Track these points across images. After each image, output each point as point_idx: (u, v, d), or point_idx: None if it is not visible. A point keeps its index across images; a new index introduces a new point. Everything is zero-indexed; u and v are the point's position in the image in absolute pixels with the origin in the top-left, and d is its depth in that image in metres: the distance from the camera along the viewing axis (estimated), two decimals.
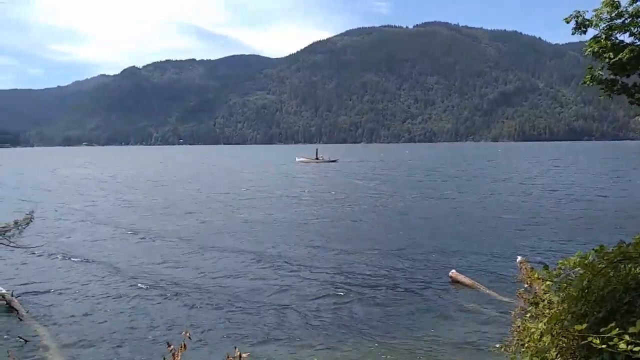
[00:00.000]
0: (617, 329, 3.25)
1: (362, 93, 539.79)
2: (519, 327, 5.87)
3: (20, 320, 14.20)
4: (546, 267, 5.55)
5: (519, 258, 16.35)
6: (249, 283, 17.80)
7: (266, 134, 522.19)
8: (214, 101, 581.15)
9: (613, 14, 6.63)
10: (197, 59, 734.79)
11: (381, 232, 26.98)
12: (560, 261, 5.24)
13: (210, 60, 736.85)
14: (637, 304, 4.25)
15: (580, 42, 7.33)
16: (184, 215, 34.09)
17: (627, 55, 6.30)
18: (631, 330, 3.18)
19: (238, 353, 3.31)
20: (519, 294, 7.64)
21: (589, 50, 6.98)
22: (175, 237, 26.45)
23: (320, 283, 17.63)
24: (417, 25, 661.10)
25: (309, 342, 12.65)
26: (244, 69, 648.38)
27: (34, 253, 20.69)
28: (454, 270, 17.63)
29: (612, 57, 6.56)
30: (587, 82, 7.40)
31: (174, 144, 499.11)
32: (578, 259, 4.99)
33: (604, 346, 3.34)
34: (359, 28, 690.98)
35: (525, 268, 13.95)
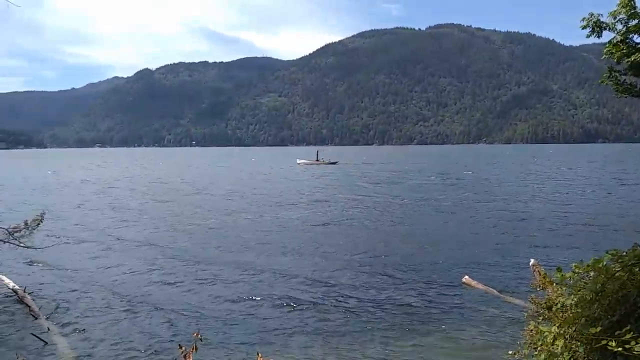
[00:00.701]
0: (632, 332, 3.16)
1: (374, 95, 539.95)
2: (531, 330, 5.81)
3: (33, 316, 14.22)
4: (559, 270, 5.52)
5: (532, 261, 16.10)
6: (256, 286, 17.71)
7: (278, 136, 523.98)
8: (226, 103, 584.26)
9: (630, 13, 6.41)
10: (210, 61, 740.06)
11: (389, 237, 26.75)
12: (574, 265, 5.20)
13: (222, 62, 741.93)
14: None
15: (595, 44, 7.29)
16: (186, 219, 34.10)
17: None
18: None
19: (260, 358, 3.18)
20: (532, 298, 7.61)
21: (606, 56, 7.01)
22: (179, 240, 26.44)
23: (330, 286, 17.49)
24: (429, 27, 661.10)
25: (320, 345, 12.53)
26: (257, 71, 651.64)
27: (43, 253, 20.70)
28: (467, 276, 17.40)
29: (631, 60, 6.41)
30: (605, 82, 7.36)
31: (186, 146, 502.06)
32: (592, 263, 4.95)
33: (619, 349, 3.27)
34: (371, 30, 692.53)
35: (539, 271, 13.73)
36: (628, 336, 3.20)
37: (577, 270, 5.19)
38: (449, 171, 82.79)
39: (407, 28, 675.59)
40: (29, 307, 14.71)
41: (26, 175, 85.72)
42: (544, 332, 5.16)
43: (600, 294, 4.59)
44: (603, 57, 6.71)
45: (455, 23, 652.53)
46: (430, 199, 42.02)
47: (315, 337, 13.03)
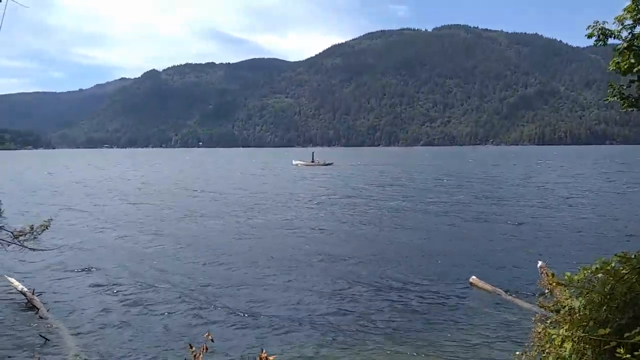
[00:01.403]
0: None
1: (381, 96, 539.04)
2: (539, 333, 5.77)
3: (40, 318, 14.33)
4: (567, 273, 5.51)
5: (540, 263, 16.08)
6: (268, 287, 17.76)
7: (284, 137, 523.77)
8: (233, 104, 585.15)
9: (636, 18, 6.33)
10: (217, 63, 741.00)
11: (394, 238, 26.74)
12: (582, 267, 5.23)
13: (229, 63, 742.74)
14: None
15: (602, 45, 7.14)
16: (191, 219, 34.20)
17: None
18: None
19: (265, 355, 3.29)
20: (540, 300, 7.55)
21: (613, 67, 6.89)
22: (182, 241, 26.51)
23: (337, 286, 17.54)
24: (436, 28, 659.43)
25: (325, 344, 12.58)
26: (263, 73, 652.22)
27: (53, 255, 20.85)
28: (474, 277, 17.41)
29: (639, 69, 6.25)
30: (610, 99, 7.23)
31: (193, 147, 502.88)
32: (600, 265, 4.97)
33: (628, 356, 3.28)
34: (378, 31, 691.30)
35: (546, 273, 13.67)
36: (637, 339, 3.21)
37: (585, 272, 5.19)
38: (451, 171, 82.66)
39: (413, 29, 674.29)
40: (38, 308, 14.83)
41: (26, 175, 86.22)
42: (552, 334, 5.12)
43: (609, 296, 4.60)
44: (609, 69, 6.86)
45: (461, 24, 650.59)
46: (434, 200, 41.98)
47: (320, 337, 13.07)
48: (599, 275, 5.00)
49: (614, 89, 6.93)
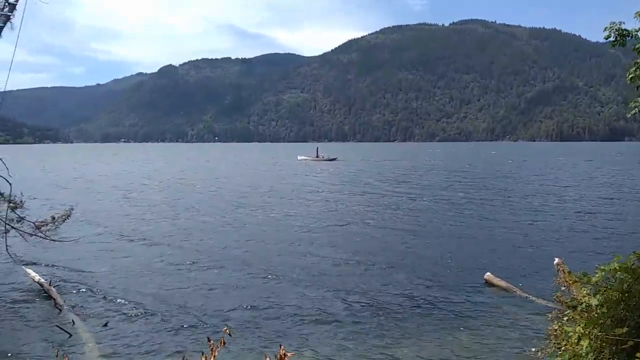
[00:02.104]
0: None
1: (396, 91, 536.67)
2: (555, 330, 5.74)
3: (58, 309, 14.46)
4: (584, 272, 5.41)
5: (556, 260, 15.88)
6: (285, 283, 17.80)
7: (299, 132, 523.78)
8: (248, 99, 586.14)
9: None
10: (233, 58, 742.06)
11: (406, 235, 26.63)
12: (600, 265, 5.10)
13: (245, 58, 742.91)
14: None
15: (620, 46, 6.94)
16: (199, 214, 34.36)
17: None
18: None
19: (283, 351, 3.30)
20: (557, 296, 7.48)
21: (630, 78, 6.73)
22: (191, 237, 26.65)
23: (351, 284, 17.53)
24: (453, 23, 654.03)
25: (343, 341, 12.58)
26: (279, 68, 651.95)
27: (70, 247, 21.06)
28: (488, 273, 17.29)
29: None
30: (630, 113, 7.06)
31: (209, 142, 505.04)
32: (618, 263, 4.84)
33: None
34: (394, 26, 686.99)
35: (563, 270, 13.53)
36: None
37: (602, 270, 5.07)
38: (456, 167, 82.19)
39: (430, 24, 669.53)
40: (54, 299, 14.98)
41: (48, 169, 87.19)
42: (569, 332, 5.05)
43: (626, 294, 4.49)
44: (629, 79, 6.67)
45: (479, 19, 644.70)
46: (446, 196, 41.78)
47: (335, 334, 13.07)
48: (617, 273, 4.87)
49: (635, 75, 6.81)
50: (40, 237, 16.43)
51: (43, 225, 16.29)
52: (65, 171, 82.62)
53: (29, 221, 16.73)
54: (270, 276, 18.23)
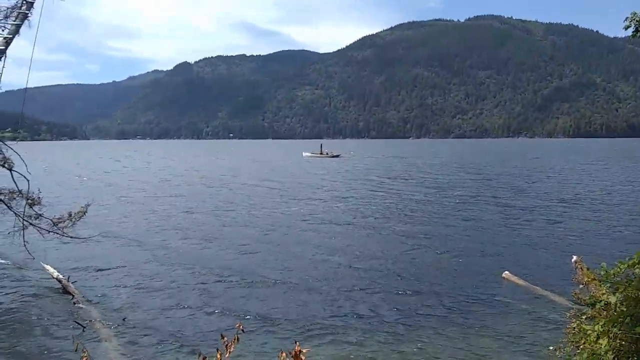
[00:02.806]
0: None
1: (412, 88, 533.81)
2: (574, 328, 5.67)
3: (76, 304, 14.59)
4: (604, 264, 5.30)
5: (575, 258, 15.71)
6: (301, 279, 17.81)
7: (314, 129, 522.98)
8: (263, 96, 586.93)
9: None
10: (247, 55, 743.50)
11: (424, 233, 26.51)
12: (619, 261, 5.01)
13: (260, 55, 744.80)
14: None
15: None
16: (213, 210, 34.46)
17: None
18: None
19: (298, 348, 3.31)
20: (575, 294, 7.39)
21: None
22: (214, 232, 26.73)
23: (370, 280, 17.52)
24: (468, 18, 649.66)
25: (360, 338, 12.58)
26: (293, 65, 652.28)
27: (87, 243, 21.23)
28: (507, 272, 17.16)
29: None
30: None
31: (224, 139, 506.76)
32: (638, 259, 4.76)
33: None
34: (409, 22, 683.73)
35: (581, 268, 13.41)
36: None
37: (622, 267, 4.95)
38: (467, 165, 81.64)
39: (445, 20, 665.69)
40: (73, 295, 15.11)
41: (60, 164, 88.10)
42: (587, 330, 4.96)
43: None
44: None
45: (494, 14, 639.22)
46: (461, 194, 41.54)
47: (353, 331, 13.06)
48: (637, 270, 4.81)
49: None
50: (58, 233, 16.58)
51: (60, 222, 16.42)
52: (101, 165, 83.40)
53: (46, 218, 16.87)
54: (283, 273, 18.25)
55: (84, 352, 4.30)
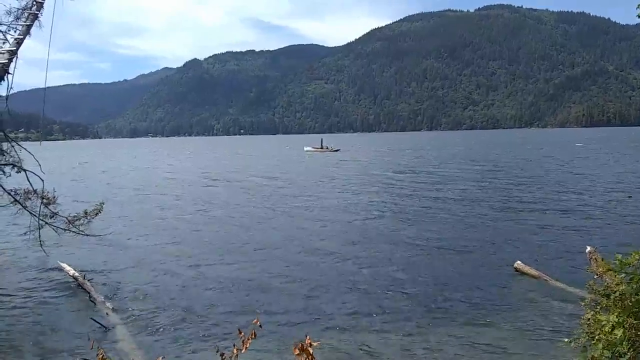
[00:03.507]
0: None
1: (422, 80, 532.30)
2: (589, 319, 5.67)
3: (93, 302, 14.69)
4: (619, 256, 5.31)
5: (589, 248, 15.62)
6: (314, 275, 17.84)
7: (325, 123, 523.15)
8: (273, 91, 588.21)
9: None
10: (257, 50, 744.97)
11: (431, 225, 26.41)
12: (634, 252, 4.99)
13: (269, 50, 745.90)
14: None
15: None
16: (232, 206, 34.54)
17: None
18: None
19: (309, 341, 3.31)
20: (590, 285, 7.43)
21: None
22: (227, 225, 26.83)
23: (378, 273, 17.48)
24: (478, 8, 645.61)
25: (370, 334, 12.57)
26: (303, 59, 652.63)
27: (103, 241, 21.42)
28: (519, 262, 17.09)
29: None
30: None
31: (235, 134, 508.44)
32: None
33: None
34: (419, 14, 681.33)
35: (596, 258, 13.35)
36: None
37: (636, 257, 4.96)
38: (479, 156, 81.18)
39: (455, 10, 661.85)
40: (89, 293, 15.23)
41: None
42: (602, 320, 4.96)
43: None
44: None
45: (505, 4, 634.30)
46: (473, 185, 41.35)
47: (363, 323, 13.05)
48: None
49: None
50: (74, 232, 16.77)
51: (76, 220, 16.62)
52: (127, 162, 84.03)
53: (61, 216, 17.06)
54: (297, 269, 18.30)
55: (100, 349, 4.38)
